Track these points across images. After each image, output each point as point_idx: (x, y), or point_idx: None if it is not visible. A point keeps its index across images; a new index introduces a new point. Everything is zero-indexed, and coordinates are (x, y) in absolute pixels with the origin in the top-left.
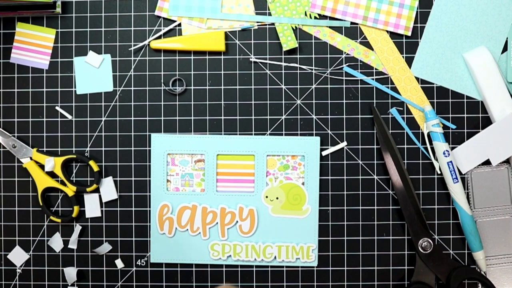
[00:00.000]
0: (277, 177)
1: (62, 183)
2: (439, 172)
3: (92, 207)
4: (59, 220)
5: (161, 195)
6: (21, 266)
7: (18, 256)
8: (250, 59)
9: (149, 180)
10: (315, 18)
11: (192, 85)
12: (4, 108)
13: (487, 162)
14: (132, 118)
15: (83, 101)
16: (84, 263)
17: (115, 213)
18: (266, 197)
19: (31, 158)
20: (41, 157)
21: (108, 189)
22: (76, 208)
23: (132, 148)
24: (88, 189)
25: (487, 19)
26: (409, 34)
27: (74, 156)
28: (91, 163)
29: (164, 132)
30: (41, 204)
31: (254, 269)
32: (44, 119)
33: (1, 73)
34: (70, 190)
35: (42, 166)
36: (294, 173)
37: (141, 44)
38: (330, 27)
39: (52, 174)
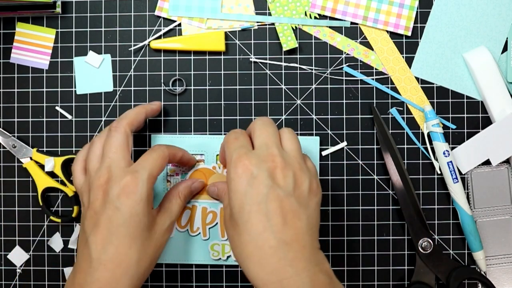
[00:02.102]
0: None
1: (62, 183)
2: (439, 172)
3: None
4: (59, 220)
5: (161, 196)
6: (21, 266)
7: (18, 256)
8: (250, 59)
9: None
10: (315, 18)
11: (192, 85)
12: (4, 108)
13: (487, 162)
14: None
15: (83, 101)
16: None
17: None
18: None
19: (31, 158)
20: (41, 157)
21: None
22: (76, 208)
23: (132, 148)
24: None
25: (487, 19)
26: (409, 34)
27: (74, 156)
28: None
29: (164, 132)
30: (41, 204)
31: None
32: (44, 119)
33: (1, 73)
34: (70, 190)
35: (42, 166)
36: None
37: (141, 44)
38: (330, 27)
39: (52, 174)
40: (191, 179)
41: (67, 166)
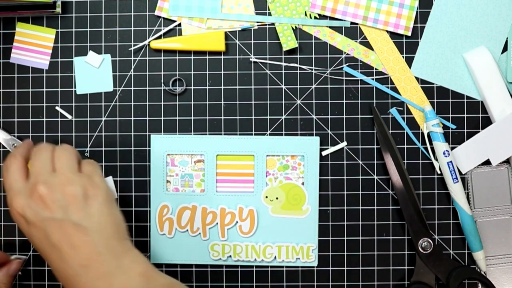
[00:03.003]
0: (276, 177)
1: None
2: (439, 172)
3: None
4: None
5: (161, 196)
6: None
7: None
8: (250, 59)
9: (149, 180)
10: (315, 18)
11: (192, 85)
12: (4, 108)
13: (487, 162)
14: (132, 118)
15: (83, 101)
16: None
17: None
18: (266, 197)
19: None
20: None
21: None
22: None
23: (132, 148)
24: None
25: (487, 19)
26: (409, 34)
27: None
28: None
29: (164, 132)
30: None
31: (254, 269)
32: (44, 119)
33: (1, 73)
34: None
35: None
36: (293, 173)
37: (141, 44)
38: (330, 27)
39: None
40: (7, 266)
41: None
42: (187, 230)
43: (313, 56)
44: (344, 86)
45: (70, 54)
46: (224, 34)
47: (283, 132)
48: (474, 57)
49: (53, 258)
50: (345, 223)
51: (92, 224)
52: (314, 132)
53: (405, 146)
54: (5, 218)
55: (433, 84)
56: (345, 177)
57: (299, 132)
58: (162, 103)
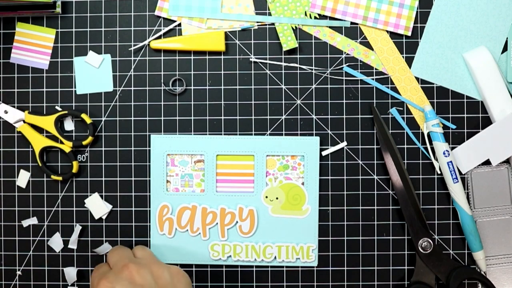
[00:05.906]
0: (276, 177)
1: (56, 142)
2: (439, 172)
3: (97, 208)
4: (60, 178)
5: (161, 196)
6: (21, 266)
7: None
8: (250, 59)
9: (149, 180)
10: (315, 18)
11: (192, 85)
12: None
13: (487, 162)
14: (132, 118)
15: (83, 101)
16: (84, 263)
17: (115, 213)
18: (266, 197)
19: (24, 121)
20: (34, 118)
21: (97, 205)
22: (75, 164)
23: (132, 148)
24: (84, 143)
25: (487, 19)
26: (409, 34)
27: (66, 112)
28: (83, 116)
29: (164, 132)
30: (40, 165)
31: (254, 269)
32: None
33: (1, 73)
34: (66, 146)
35: (36, 127)
36: (293, 173)
37: (141, 44)
38: (330, 27)
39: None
40: None
41: (61, 124)
42: (187, 230)
43: (313, 56)
44: (344, 86)
45: (70, 54)
46: (224, 34)
47: (283, 132)
48: (474, 57)
49: None
50: (345, 223)
51: None
52: (314, 132)
53: (405, 146)
54: (5, 218)
55: (433, 84)
56: (345, 177)
57: (299, 132)
58: (162, 103)
